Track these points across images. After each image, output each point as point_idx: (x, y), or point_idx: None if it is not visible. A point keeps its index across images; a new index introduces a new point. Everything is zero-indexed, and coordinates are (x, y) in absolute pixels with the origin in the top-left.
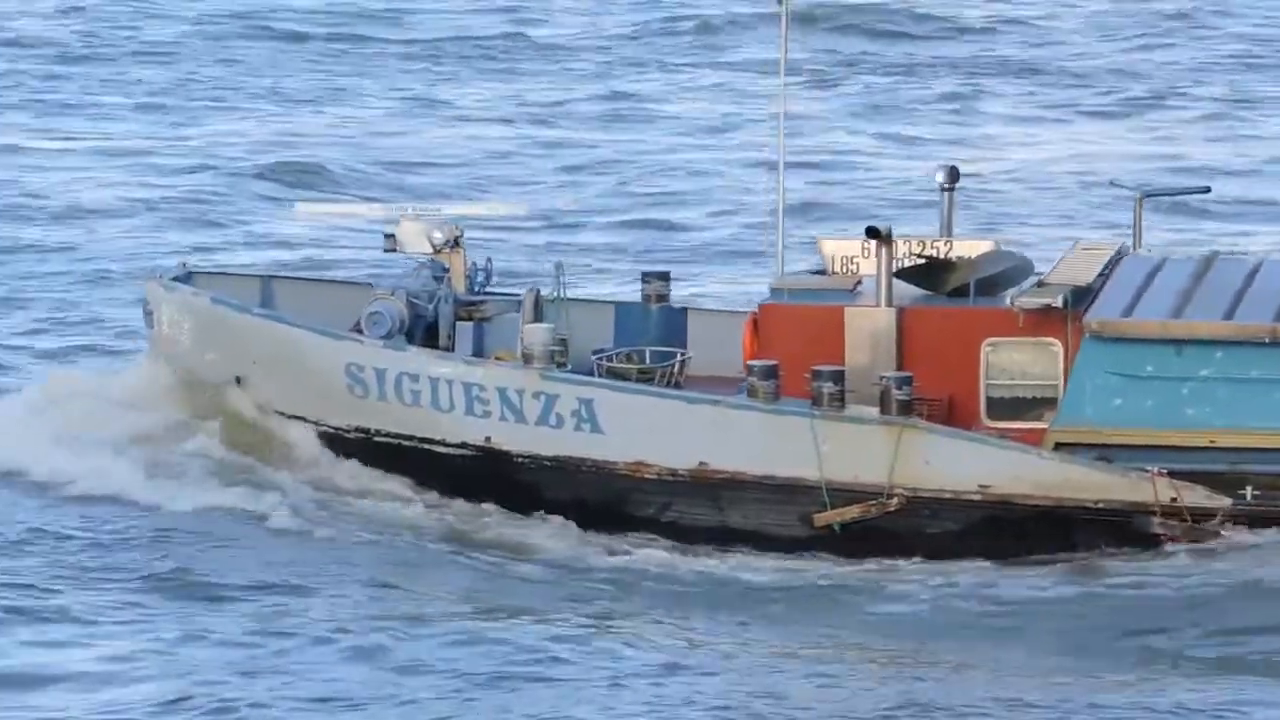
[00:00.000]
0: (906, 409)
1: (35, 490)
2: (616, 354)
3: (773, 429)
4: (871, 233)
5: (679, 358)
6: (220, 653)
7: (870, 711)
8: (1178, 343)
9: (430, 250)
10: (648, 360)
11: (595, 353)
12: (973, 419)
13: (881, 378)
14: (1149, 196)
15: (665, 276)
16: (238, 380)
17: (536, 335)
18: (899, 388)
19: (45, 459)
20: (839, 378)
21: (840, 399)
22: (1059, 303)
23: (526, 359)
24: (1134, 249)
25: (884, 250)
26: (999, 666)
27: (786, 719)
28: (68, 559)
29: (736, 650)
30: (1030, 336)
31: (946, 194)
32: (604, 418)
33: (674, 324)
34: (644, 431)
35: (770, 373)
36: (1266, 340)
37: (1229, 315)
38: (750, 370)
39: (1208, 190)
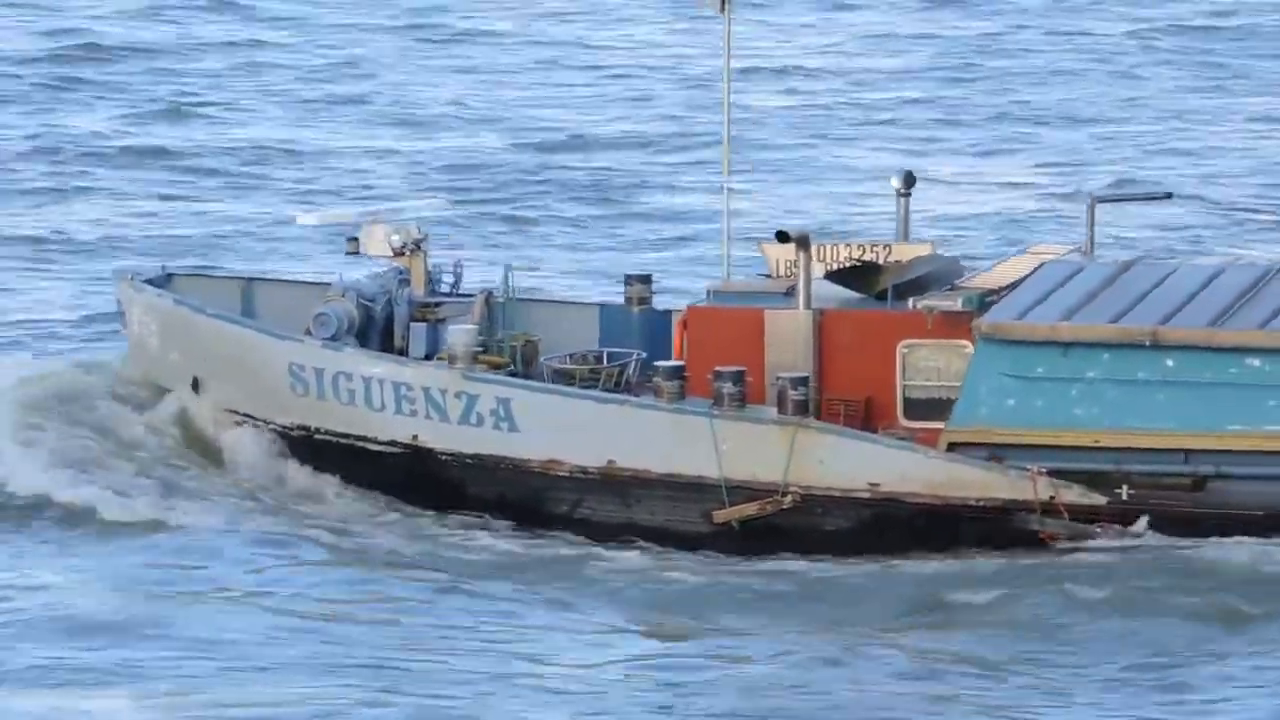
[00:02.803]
0: (803, 409)
1: None
2: (568, 356)
3: (676, 428)
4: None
5: (634, 358)
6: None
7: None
8: (1065, 345)
9: (390, 254)
10: (605, 362)
11: (546, 357)
12: (890, 419)
13: (778, 378)
14: (1102, 201)
15: (647, 279)
16: (195, 380)
17: (459, 336)
18: (795, 388)
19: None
20: (739, 378)
21: (741, 399)
22: (960, 305)
23: (450, 360)
24: (1088, 253)
25: (802, 254)
26: (919, 657)
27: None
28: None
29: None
30: (943, 339)
31: (902, 199)
32: (520, 417)
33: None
34: (557, 430)
35: (675, 373)
36: (1148, 343)
37: (1118, 319)
38: (656, 371)
39: (1168, 196)
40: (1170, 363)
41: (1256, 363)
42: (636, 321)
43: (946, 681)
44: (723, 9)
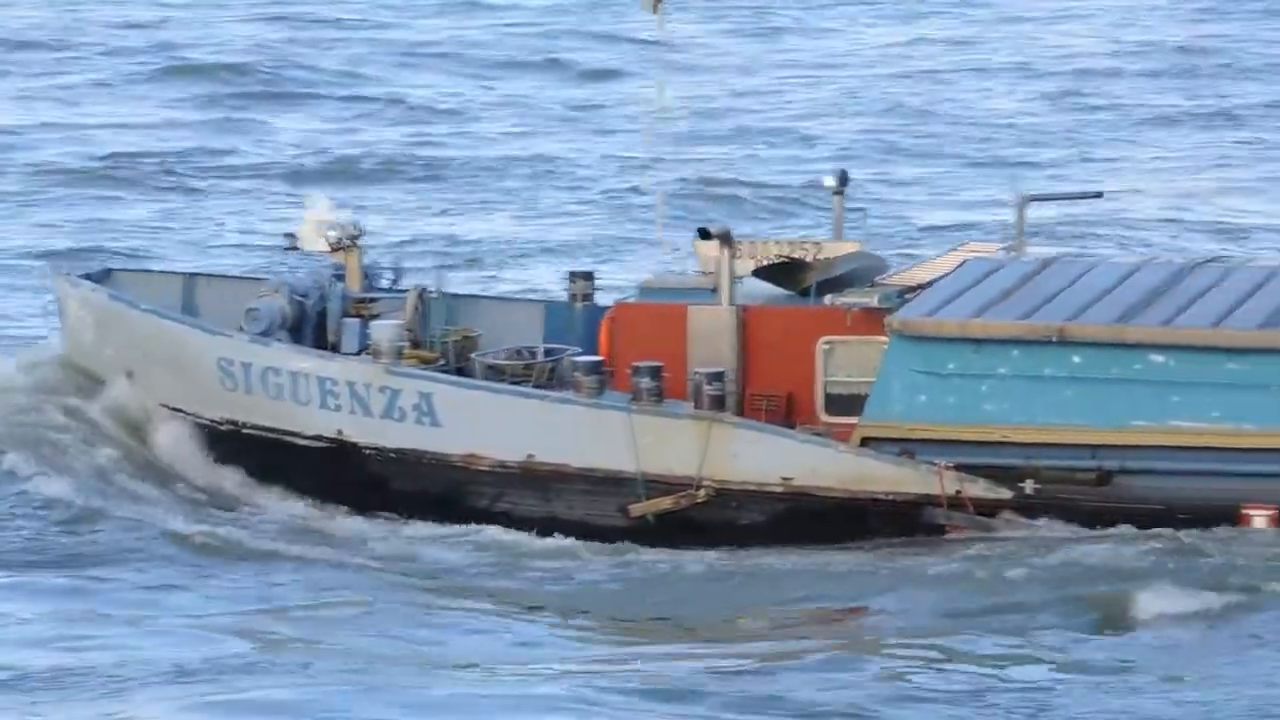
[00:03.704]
0: (719, 404)
1: None
2: (501, 351)
3: (593, 423)
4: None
5: (567, 354)
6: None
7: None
8: (975, 342)
9: (326, 249)
10: (539, 358)
11: (479, 353)
12: (811, 415)
13: (695, 373)
14: (1033, 200)
15: (590, 276)
16: (128, 374)
17: (383, 331)
18: (710, 383)
19: None
20: (657, 373)
21: (659, 394)
22: (876, 302)
23: (375, 354)
24: (1020, 251)
25: (726, 251)
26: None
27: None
28: None
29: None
30: (862, 335)
31: (836, 198)
32: (442, 411)
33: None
34: (477, 425)
35: (594, 368)
36: (1055, 339)
37: (1028, 316)
38: (574, 367)
39: (1099, 195)
40: (1077, 359)
41: (1161, 359)
42: (580, 318)
43: (856, 669)
44: (655, 9)
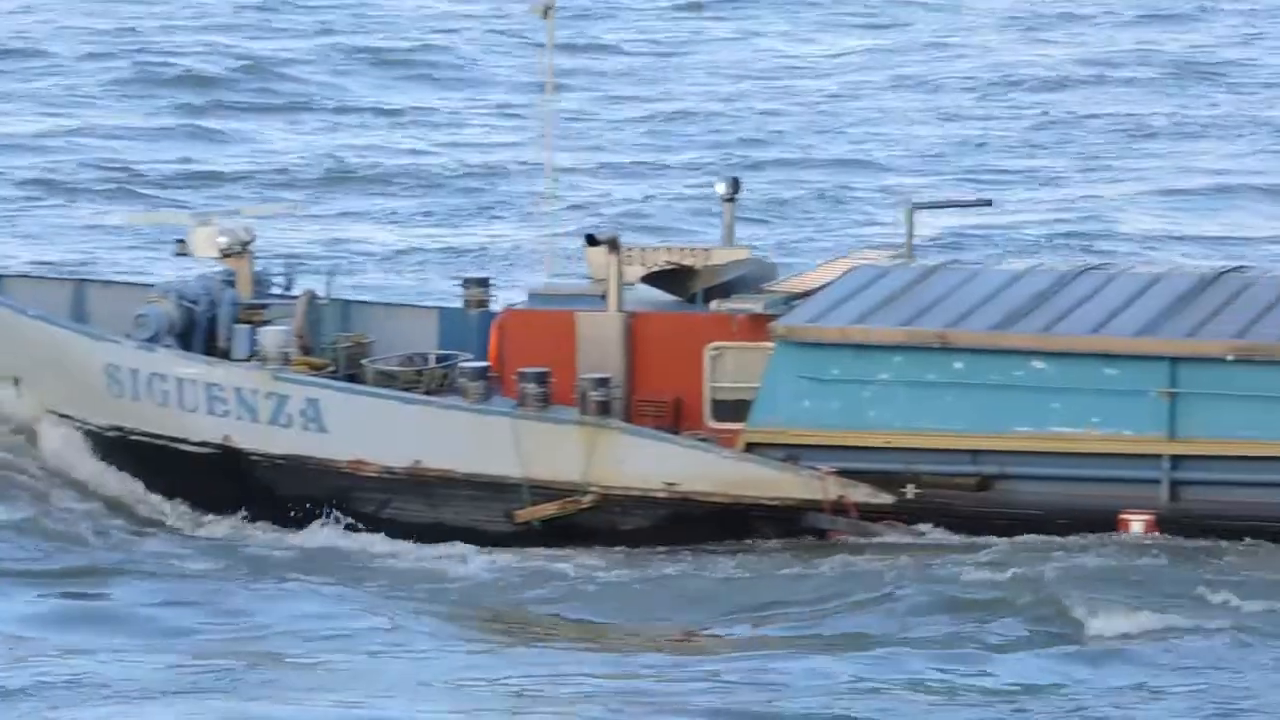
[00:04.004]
0: (604, 410)
1: None
2: (392, 358)
3: (479, 429)
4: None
5: (459, 360)
6: None
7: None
8: (858, 348)
9: (216, 255)
10: (431, 364)
11: (371, 359)
12: (699, 421)
13: (581, 379)
14: (919, 208)
15: (485, 282)
16: (15, 381)
17: (269, 337)
18: (595, 389)
19: None
20: (543, 379)
21: (544, 400)
22: (761, 308)
23: (262, 360)
24: (907, 259)
25: (612, 257)
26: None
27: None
28: None
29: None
30: (748, 341)
31: (727, 205)
32: (328, 417)
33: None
34: (364, 431)
35: (480, 374)
36: (936, 345)
37: (911, 322)
38: (460, 373)
39: (988, 204)
40: (958, 365)
41: (1041, 365)
42: (474, 324)
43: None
44: (545, 15)
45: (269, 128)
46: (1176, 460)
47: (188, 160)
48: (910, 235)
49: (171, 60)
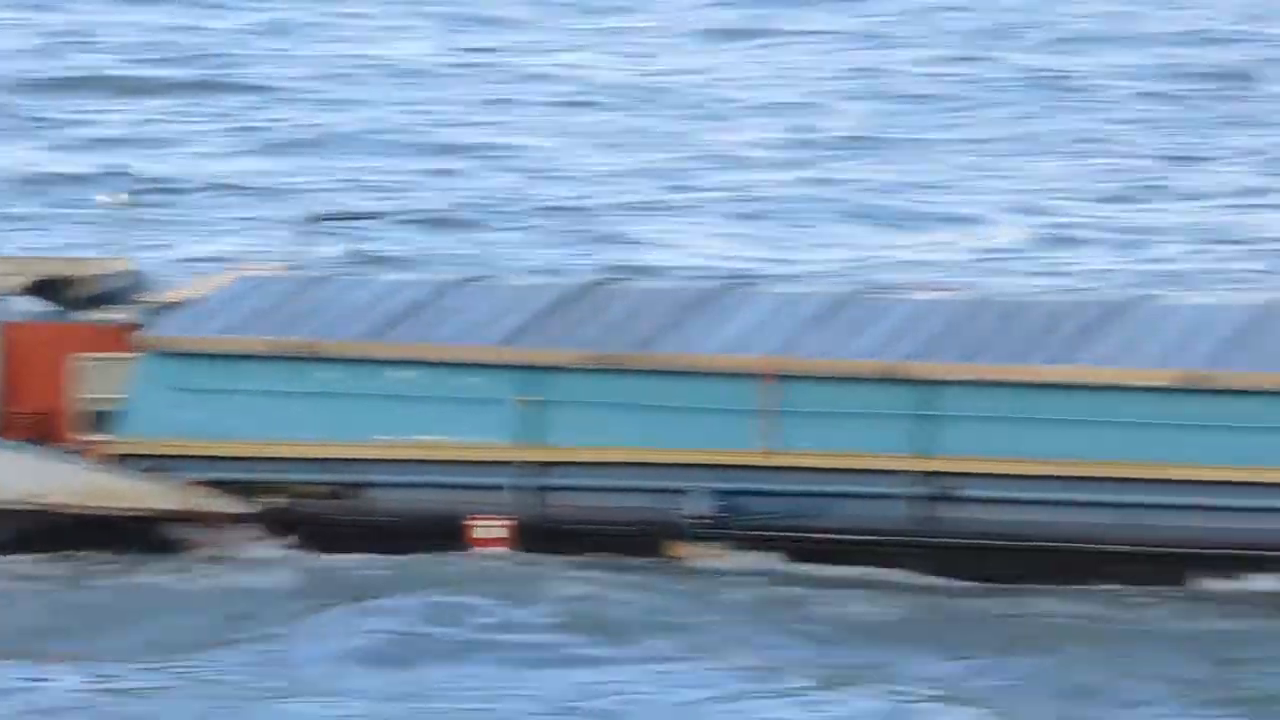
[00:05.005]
0: None
1: None
2: None
3: None
4: None
5: None
6: None
7: None
8: (225, 358)
9: None
10: None
11: None
12: (70, 432)
13: None
14: (315, 221)
15: None
16: None
17: None
18: None
19: None
20: None
21: None
22: (130, 318)
23: None
24: (304, 271)
25: None
26: None
27: None
28: None
29: None
30: (114, 351)
31: (123, 213)
32: None
33: None
34: None
35: None
36: (304, 355)
37: (282, 332)
38: None
39: (381, 216)
40: (326, 375)
41: (407, 374)
42: None
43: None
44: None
45: None
46: (529, 467)
47: None
48: (308, 247)
49: None
